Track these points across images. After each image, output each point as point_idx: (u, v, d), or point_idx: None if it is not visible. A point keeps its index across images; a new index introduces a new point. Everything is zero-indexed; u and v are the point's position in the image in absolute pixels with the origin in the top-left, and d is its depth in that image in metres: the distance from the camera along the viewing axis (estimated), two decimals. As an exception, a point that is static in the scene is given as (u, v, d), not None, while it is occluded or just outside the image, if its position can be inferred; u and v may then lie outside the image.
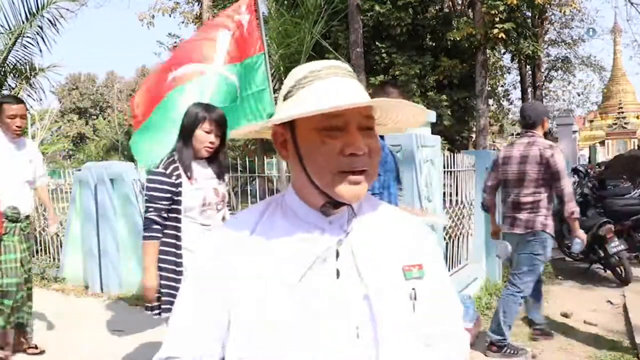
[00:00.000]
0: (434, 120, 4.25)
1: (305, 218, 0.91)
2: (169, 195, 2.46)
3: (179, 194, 2.47)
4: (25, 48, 8.16)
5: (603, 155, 23.48)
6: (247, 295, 0.87)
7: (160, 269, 2.49)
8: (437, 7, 15.48)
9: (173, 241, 2.50)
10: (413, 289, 0.92)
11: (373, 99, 0.87)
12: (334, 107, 0.81)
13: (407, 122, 1.02)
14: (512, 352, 3.74)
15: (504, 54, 18.11)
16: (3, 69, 8.10)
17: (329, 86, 0.88)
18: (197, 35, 4.05)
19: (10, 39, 7.89)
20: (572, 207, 3.60)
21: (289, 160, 0.93)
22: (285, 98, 0.92)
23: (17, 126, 3.59)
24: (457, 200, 5.18)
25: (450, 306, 1.02)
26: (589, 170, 7.69)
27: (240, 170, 5.20)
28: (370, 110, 0.90)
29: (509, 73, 21.70)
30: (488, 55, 13.89)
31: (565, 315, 4.70)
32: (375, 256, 0.91)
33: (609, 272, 6.00)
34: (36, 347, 3.92)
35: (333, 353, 0.83)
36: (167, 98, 3.58)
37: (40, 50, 8.14)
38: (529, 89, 20.19)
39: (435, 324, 0.95)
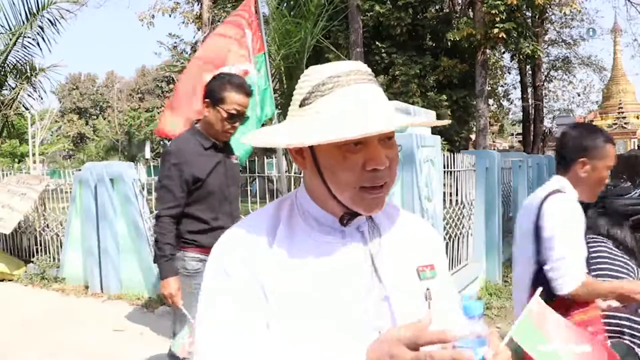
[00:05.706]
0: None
1: (325, 222, 0.90)
2: None
3: None
4: (25, 48, 8.20)
5: (603, 155, 23.42)
6: (277, 301, 0.84)
7: None
8: (437, 7, 15.50)
9: None
10: (428, 289, 0.92)
11: (402, 122, 0.82)
12: (361, 135, 0.76)
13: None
14: None
15: (504, 53, 18.14)
16: (3, 69, 8.11)
17: (350, 99, 0.83)
18: (221, 33, 3.82)
19: (10, 39, 7.91)
20: None
21: (306, 169, 0.90)
22: (302, 104, 0.86)
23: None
24: (457, 200, 5.17)
25: (455, 306, 1.02)
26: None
27: (240, 171, 5.19)
28: None
29: (509, 73, 21.75)
30: (488, 55, 13.89)
31: (565, 315, 4.70)
32: (391, 257, 0.91)
33: (609, 272, 6.00)
34: None
35: (355, 356, 0.81)
36: None
37: (41, 50, 8.18)
38: (529, 89, 20.20)
39: (446, 323, 0.95)
